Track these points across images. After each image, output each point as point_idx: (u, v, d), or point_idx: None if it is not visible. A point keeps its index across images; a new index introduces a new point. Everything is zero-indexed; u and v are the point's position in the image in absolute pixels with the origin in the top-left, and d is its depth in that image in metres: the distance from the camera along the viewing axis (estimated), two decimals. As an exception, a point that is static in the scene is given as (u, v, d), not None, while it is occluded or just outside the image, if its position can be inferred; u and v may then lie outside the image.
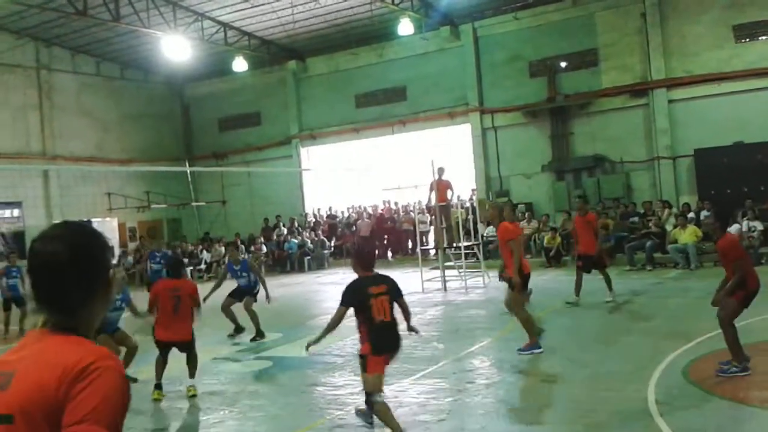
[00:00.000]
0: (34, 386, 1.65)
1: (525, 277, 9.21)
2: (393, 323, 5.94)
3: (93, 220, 23.94)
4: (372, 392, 5.82)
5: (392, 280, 6.17)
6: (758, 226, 16.57)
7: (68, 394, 1.63)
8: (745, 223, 16.73)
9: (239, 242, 21.51)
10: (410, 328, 6.32)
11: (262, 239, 25.36)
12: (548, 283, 15.39)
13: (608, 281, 12.42)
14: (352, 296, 5.93)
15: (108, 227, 24.47)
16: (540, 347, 8.74)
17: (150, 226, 27.69)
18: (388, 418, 5.82)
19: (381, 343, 5.85)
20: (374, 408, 5.86)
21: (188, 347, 8.10)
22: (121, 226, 26.03)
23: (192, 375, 8.09)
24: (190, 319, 8.10)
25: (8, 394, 1.67)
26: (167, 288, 8.08)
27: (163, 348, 8.04)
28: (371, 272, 6.13)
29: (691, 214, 18.25)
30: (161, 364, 8.01)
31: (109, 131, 26.86)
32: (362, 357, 5.93)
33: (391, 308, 5.95)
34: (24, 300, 13.45)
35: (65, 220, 2.06)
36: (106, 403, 1.62)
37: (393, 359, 6.10)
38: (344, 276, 20.95)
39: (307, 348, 6.19)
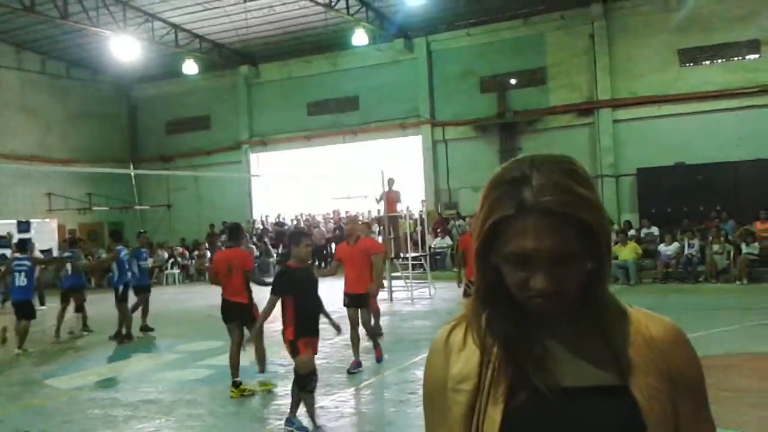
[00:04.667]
0: None
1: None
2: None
3: (31, 220, 23.29)
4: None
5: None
6: (695, 244, 17.04)
7: None
8: (686, 242, 17.19)
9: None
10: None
11: (207, 245, 24.98)
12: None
13: None
14: None
15: (47, 228, 23.79)
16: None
17: (90, 229, 27.02)
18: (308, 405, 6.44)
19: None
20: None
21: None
22: (61, 228, 25.31)
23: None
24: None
25: None
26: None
27: None
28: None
29: (632, 231, 18.70)
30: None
31: (53, 130, 26.18)
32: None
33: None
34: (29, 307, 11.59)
35: None
36: None
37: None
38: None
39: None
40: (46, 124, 25.96)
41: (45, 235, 22.30)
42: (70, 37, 24.03)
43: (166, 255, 24.48)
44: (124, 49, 22.30)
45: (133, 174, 26.03)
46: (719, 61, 20.42)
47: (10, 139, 24.49)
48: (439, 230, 21.86)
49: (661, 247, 17.49)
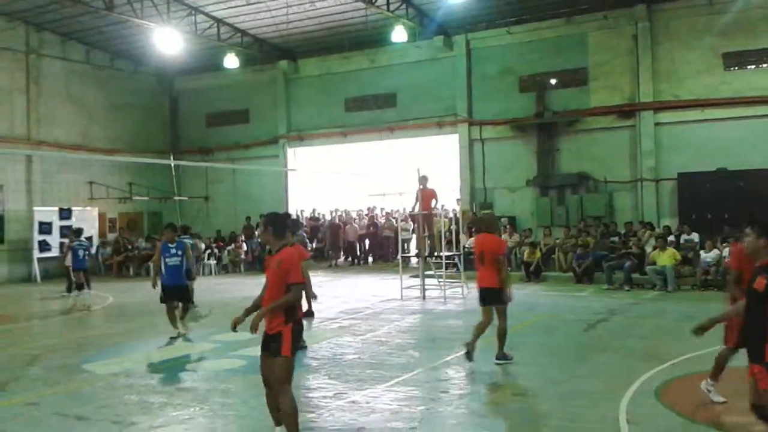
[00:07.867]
0: None
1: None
2: None
3: (73, 208, 23.78)
4: None
5: None
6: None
7: None
8: (725, 249, 16.84)
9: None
10: None
11: (243, 237, 25.29)
12: (527, 297, 15.43)
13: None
14: None
15: (88, 216, 24.26)
16: None
17: (130, 218, 27.49)
18: None
19: None
20: None
21: None
22: (102, 216, 25.80)
23: None
24: None
25: None
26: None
27: None
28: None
29: (671, 237, 18.41)
30: None
31: (95, 120, 26.64)
32: None
33: None
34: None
35: None
36: None
37: None
38: (324, 278, 20.93)
39: None
40: (89, 113, 26.43)
41: (86, 223, 22.72)
42: (115, 28, 24.41)
43: (203, 246, 24.79)
44: (167, 41, 22.57)
45: (173, 165, 26.37)
46: (764, 65, 20.01)
47: (54, 127, 25.01)
48: (473, 230, 21.76)
49: (701, 254, 17.19)
